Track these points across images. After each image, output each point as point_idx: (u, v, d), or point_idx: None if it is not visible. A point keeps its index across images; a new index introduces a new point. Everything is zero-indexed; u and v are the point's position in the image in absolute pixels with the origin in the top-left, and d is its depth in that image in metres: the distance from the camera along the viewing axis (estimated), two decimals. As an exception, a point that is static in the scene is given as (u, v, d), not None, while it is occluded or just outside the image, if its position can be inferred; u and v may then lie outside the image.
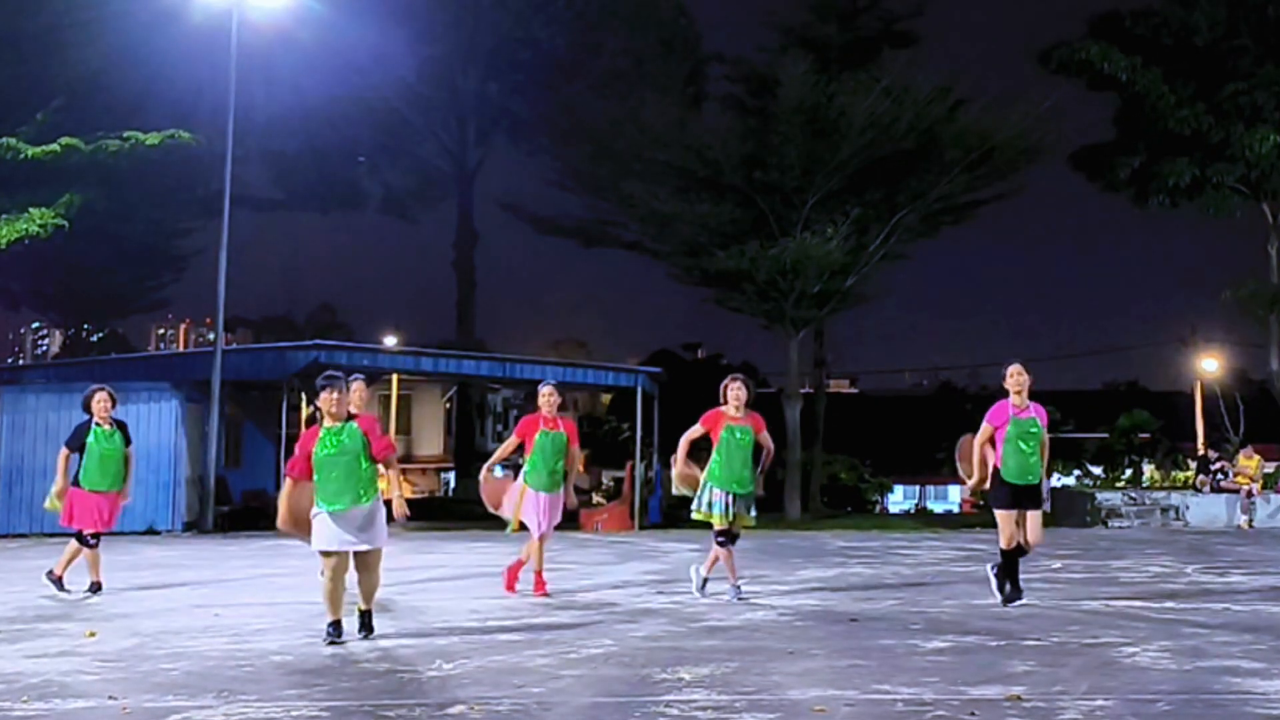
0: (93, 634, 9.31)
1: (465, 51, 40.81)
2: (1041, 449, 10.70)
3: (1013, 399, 10.70)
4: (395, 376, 44.51)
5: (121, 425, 12.53)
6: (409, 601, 11.45)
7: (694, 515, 11.45)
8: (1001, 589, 10.90)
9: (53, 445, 25.59)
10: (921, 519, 38.44)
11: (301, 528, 8.86)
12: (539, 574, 11.83)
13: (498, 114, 43.85)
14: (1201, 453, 31.92)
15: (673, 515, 29.41)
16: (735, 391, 11.16)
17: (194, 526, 25.54)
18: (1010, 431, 10.60)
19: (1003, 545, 10.82)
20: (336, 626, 8.78)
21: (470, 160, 44.00)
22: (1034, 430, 10.61)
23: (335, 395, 8.81)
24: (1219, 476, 27.55)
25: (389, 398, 47.79)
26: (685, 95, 37.15)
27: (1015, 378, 10.67)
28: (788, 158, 32.37)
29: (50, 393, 25.65)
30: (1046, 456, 10.81)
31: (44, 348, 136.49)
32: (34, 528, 23.83)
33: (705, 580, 11.59)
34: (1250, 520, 25.79)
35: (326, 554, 8.76)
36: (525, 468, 11.71)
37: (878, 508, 45.10)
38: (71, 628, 9.74)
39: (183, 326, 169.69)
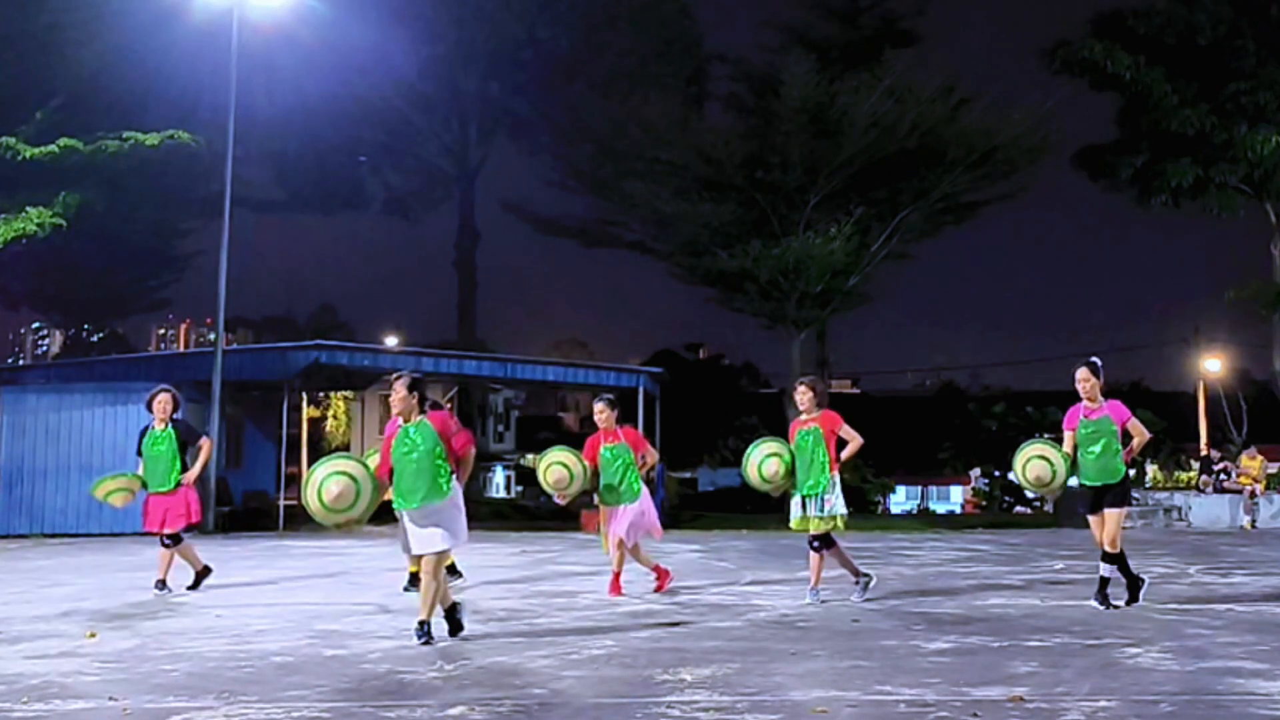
0: (93, 635, 9.30)
1: (467, 51, 40.78)
2: (1129, 441, 10.52)
3: (1085, 401, 10.60)
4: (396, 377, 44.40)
5: (179, 425, 12.65)
6: (410, 602, 11.42)
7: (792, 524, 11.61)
8: (1132, 588, 10.81)
9: (53, 446, 25.72)
10: (924, 519, 38.38)
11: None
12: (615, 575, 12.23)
13: (500, 114, 43.84)
14: (1204, 453, 31.88)
15: (675, 516, 29.38)
16: (800, 396, 11.29)
17: (195, 527, 25.45)
18: (1080, 434, 10.53)
19: (1106, 549, 10.64)
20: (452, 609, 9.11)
21: (472, 160, 43.98)
22: (1107, 428, 10.43)
23: (401, 393, 9.03)
24: (1222, 477, 27.51)
25: (389, 398, 47.75)
26: (687, 95, 37.18)
27: (1082, 384, 10.57)
28: (790, 157, 32.36)
29: (51, 393, 25.62)
30: (1139, 444, 10.59)
31: (44, 348, 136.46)
32: (34, 529, 23.80)
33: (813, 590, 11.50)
34: (1253, 521, 25.75)
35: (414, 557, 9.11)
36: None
37: (880, 508, 45.04)
38: (72, 629, 9.73)
39: (183, 327, 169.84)
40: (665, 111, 33.43)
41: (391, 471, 8.88)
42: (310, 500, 8.72)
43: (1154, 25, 34.53)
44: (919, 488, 64.16)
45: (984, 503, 44.25)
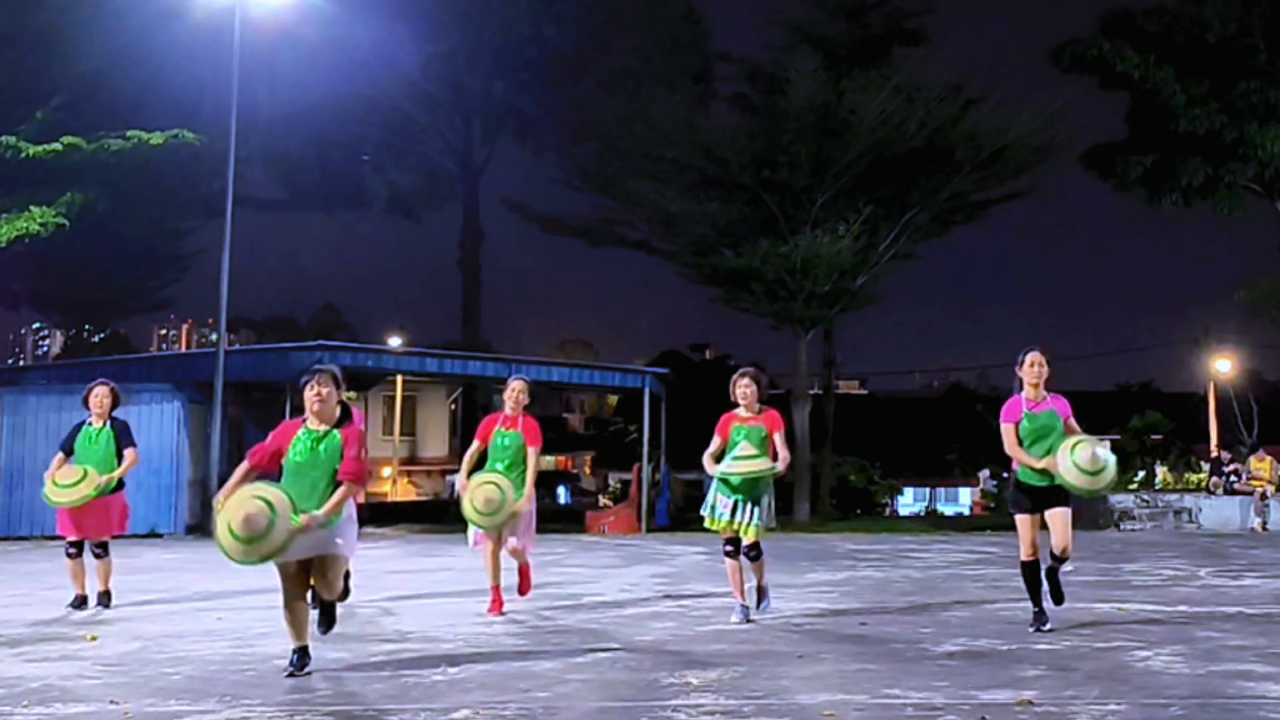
0: (94, 638, 9.25)
1: (471, 49, 40.78)
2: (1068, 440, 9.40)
3: (1027, 392, 9.48)
4: (400, 378, 44.46)
5: (118, 425, 11.56)
6: (413, 605, 11.38)
7: (705, 523, 10.25)
8: (1036, 609, 9.65)
9: (53, 447, 25.35)
10: (932, 521, 38.38)
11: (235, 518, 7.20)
12: (496, 589, 10.61)
13: (504, 112, 43.84)
14: (1214, 455, 31.80)
15: (680, 518, 29.37)
16: (744, 390, 10.02)
17: (196, 529, 25.46)
18: (1025, 428, 9.41)
19: (1022, 556, 9.57)
20: (301, 655, 7.61)
21: (476, 159, 43.99)
22: (1054, 424, 9.38)
23: (318, 390, 7.69)
24: (1232, 479, 27.42)
25: (393, 399, 47.78)
26: (694, 93, 37.12)
27: (1034, 368, 9.44)
28: (797, 156, 32.30)
29: (51, 394, 25.58)
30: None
31: (45, 348, 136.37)
32: (35, 530, 23.76)
33: (742, 606, 10.19)
34: (1264, 523, 25.69)
35: (281, 566, 7.57)
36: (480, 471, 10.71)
37: (887, 510, 45.03)
38: (72, 632, 9.68)
39: (185, 327, 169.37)
40: (671, 110, 33.38)
41: (272, 464, 7.65)
42: (221, 534, 7.30)
43: (1163, 23, 34.48)
44: (927, 489, 64.19)
45: (992, 504, 44.20)
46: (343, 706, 6.64)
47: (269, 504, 7.16)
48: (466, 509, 10.22)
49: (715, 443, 10.03)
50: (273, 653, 8.39)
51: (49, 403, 25.18)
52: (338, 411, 7.81)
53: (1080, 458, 9.11)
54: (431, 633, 9.43)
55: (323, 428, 7.70)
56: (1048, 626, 9.40)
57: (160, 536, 24.44)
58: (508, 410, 10.70)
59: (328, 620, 8.18)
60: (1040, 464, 9.27)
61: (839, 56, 34.87)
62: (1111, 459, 9.32)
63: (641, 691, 6.98)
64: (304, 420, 7.78)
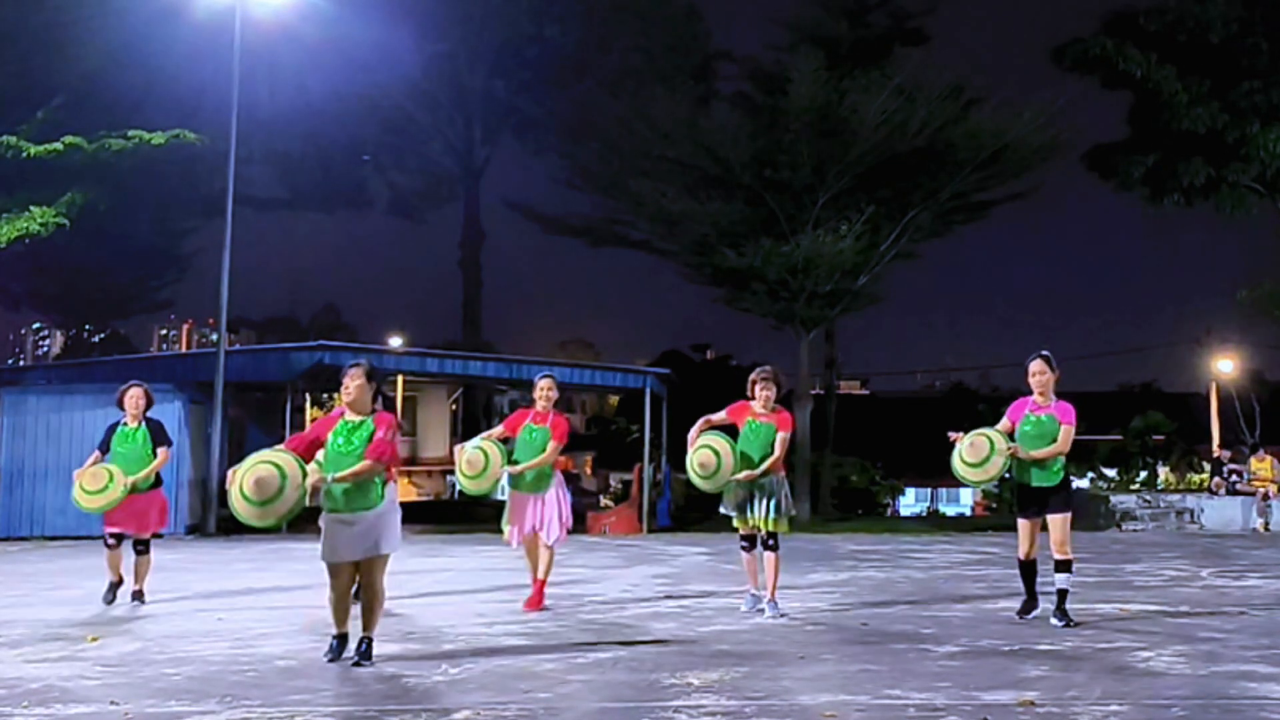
0: (94, 639, 9.24)
1: (472, 49, 40.73)
2: (1057, 445, 9.68)
3: (1035, 396, 9.87)
4: (400, 378, 44.41)
5: (152, 424, 11.87)
6: (414, 605, 11.36)
7: (734, 522, 10.56)
8: (1026, 597, 10.16)
9: (53, 447, 25.64)
10: (933, 522, 38.28)
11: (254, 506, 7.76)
12: (540, 584, 10.99)
13: (505, 112, 43.80)
14: (1216, 455, 31.75)
15: (681, 518, 29.33)
16: (764, 394, 10.31)
17: (196, 530, 25.42)
18: (1022, 429, 9.79)
19: (1018, 555, 10.09)
20: (341, 641, 8.16)
21: (477, 159, 43.94)
22: (1052, 428, 9.67)
23: (347, 384, 8.10)
24: (1234, 479, 27.38)
25: (394, 399, 47.74)
26: (695, 93, 37.07)
27: (1035, 377, 9.84)
28: (798, 156, 32.24)
29: (51, 394, 25.53)
30: (1052, 451, 9.64)
31: (45, 348, 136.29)
32: (35, 531, 23.74)
33: (753, 594, 10.70)
34: (1266, 523, 25.65)
35: (329, 564, 8.07)
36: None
37: (889, 510, 44.91)
38: (73, 632, 9.67)
39: (185, 327, 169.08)
40: (672, 109, 33.32)
41: (309, 454, 8.06)
42: (234, 500, 7.79)
43: (1165, 23, 34.35)
44: (928, 490, 64.05)
45: (994, 505, 44.15)
46: (343, 707, 6.64)
47: (278, 468, 7.71)
48: (458, 473, 10.75)
49: (720, 416, 10.57)
50: (273, 653, 8.40)
51: (49, 403, 25.13)
52: (373, 403, 8.22)
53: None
54: (431, 633, 9.43)
55: (359, 418, 8.11)
56: (1034, 614, 9.94)
57: (160, 536, 24.27)
58: (539, 407, 10.96)
59: (366, 656, 8.07)
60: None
61: (840, 56, 34.81)
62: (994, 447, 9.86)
63: (643, 692, 6.98)
64: (343, 413, 8.18)
